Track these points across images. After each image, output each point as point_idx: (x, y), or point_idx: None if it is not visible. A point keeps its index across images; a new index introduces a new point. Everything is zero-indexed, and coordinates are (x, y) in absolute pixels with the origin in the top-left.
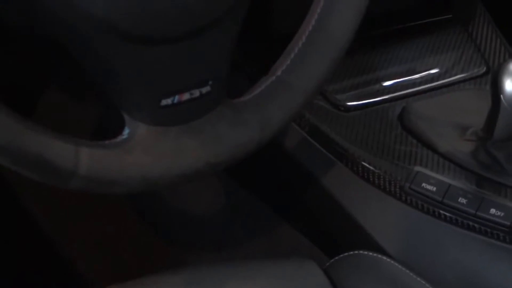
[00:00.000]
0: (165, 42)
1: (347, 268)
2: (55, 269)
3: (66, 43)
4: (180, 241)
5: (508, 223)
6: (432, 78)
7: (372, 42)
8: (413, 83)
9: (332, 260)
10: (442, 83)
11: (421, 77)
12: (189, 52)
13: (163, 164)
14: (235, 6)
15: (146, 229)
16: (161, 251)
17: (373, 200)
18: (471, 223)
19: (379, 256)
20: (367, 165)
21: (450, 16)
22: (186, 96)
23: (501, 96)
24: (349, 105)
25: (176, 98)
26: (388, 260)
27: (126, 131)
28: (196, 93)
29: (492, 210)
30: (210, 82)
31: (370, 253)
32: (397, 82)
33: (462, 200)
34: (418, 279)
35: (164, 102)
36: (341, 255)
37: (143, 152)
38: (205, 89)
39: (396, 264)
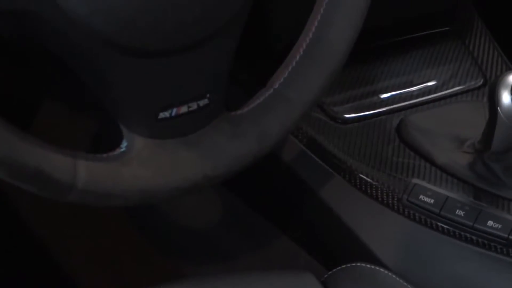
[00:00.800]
0: (162, 55)
1: (345, 280)
2: (53, 280)
3: (65, 57)
4: (178, 253)
5: (506, 235)
6: (430, 90)
7: (369, 54)
8: (411, 96)
9: (330, 272)
10: (440, 95)
11: (418, 90)
12: (186, 66)
13: (161, 177)
14: (232, 21)
15: (145, 240)
16: (159, 263)
17: (370, 212)
18: (468, 235)
19: (377, 268)
20: (365, 177)
21: (448, 28)
22: (183, 109)
23: (498, 108)
24: (346, 117)
25: (174, 111)
26: (386, 272)
27: (124, 144)
28: (194, 106)
29: (490, 222)
30: (208, 95)
31: (368, 265)
32: (395, 94)
33: (460, 212)
34: None
35: (162, 115)
36: (339, 267)
37: (140, 165)
38: (202, 102)
39: (394, 276)
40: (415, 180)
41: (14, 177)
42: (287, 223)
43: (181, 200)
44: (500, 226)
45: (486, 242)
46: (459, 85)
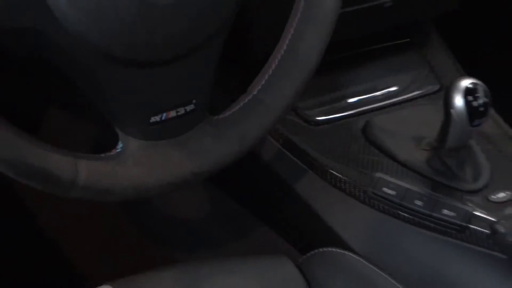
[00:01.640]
0: (153, 66)
1: (318, 263)
2: (54, 267)
3: (65, 68)
4: (171, 243)
5: (459, 222)
6: (392, 95)
7: (339, 64)
8: (375, 100)
9: (304, 256)
10: (401, 99)
11: (382, 94)
12: (175, 75)
13: (153, 174)
14: (214, 35)
15: (140, 231)
16: (152, 251)
17: (340, 203)
18: (426, 223)
19: (346, 252)
20: (335, 173)
21: (408, 40)
22: (172, 114)
23: (452, 110)
24: (318, 119)
25: (164, 115)
26: (354, 256)
27: (119, 145)
28: (182, 111)
29: (445, 211)
30: (194, 101)
31: (338, 250)
32: (361, 99)
33: (418, 202)
34: (381, 272)
35: (153, 119)
36: (312, 252)
37: (135, 164)
38: (189, 107)
39: (361, 260)
40: (379, 175)
41: (22, 177)
42: (268, 214)
43: (173, 195)
44: (454, 214)
45: (442, 228)
46: (418, 90)
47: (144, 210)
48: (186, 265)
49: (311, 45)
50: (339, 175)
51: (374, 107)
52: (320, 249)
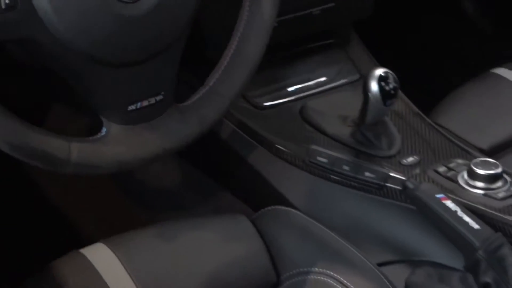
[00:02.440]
0: (128, 66)
1: (268, 219)
2: (54, 228)
3: (57, 69)
4: (150, 206)
5: (378, 182)
6: (322, 84)
7: (280, 61)
8: (309, 88)
9: (257, 214)
10: (329, 87)
11: (314, 84)
12: (146, 72)
13: (132, 151)
14: (176, 40)
15: (127, 199)
16: (137, 214)
17: (285, 171)
18: (352, 183)
19: (290, 209)
20: (279, 147)
21: (333, 40)
22: (145, 103)
23: (369, 94)
24: (265, 105)
25: (139, 104)
26: (297, 212)
27: (103, 130)
28: (153, 100)
29: (367, 173)
30: (162, 92)
31: (284, 208)
32: (298, 87)
33: (346, 167)
34: (318, 225)
35: (130, 108)
36: (263, 210)
37: (116, 144)
38: (159, 97)
39: (302, 215)
40: (313, 147)
41: (25, 157)
42: (227, 181)
43: (151, 168)
44: (374, 176)
45: (365, 187)
46: (342, 79)
47: (129, 181)
48: (163, 225)
49: (254, 46)
50: (283, 149)
51: (308, 94)
52: (270, 208)
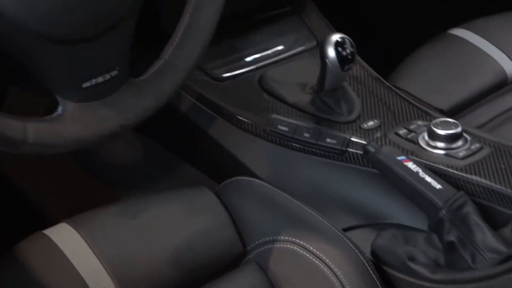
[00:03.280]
0: (79, 42)
1: (232, 190)
2: (19, 209)
3: (10, 51)
4: (113, 183)
5: (339, 147)
6: (280, 52)
7: (237, 31)
8: (267, 57)
9: (220, 185)
10: (287, 55)
11: (272, 53)
12: (98, 48)
13: (89, 129)
14: (126, 16)
15: (90, 176)
16: (100, 191)
17: (246, 141)
18: (314, 150)
19: (253, 179)
20: (240, 117)
21: (289, 8)
22: (100, 79)
23: (327, 60)
24: (223, 76)
25: (93, 81)
26: (260, 182)
27: (59, 108)
28: (107, 76)
29: (328, 139)
30: (116, 68)
31: (247, 178)
32: (256, 57)
33: (307, 134)
34: (282, 193)
35: (85, 85)
36: (226, 181)
37: (73, 122)
38: (114, 73)
39: (266, 184)
40: (274, 116)
41: None
42: (189, 154)
43: (112, 145)
44: (335, 142)
45: (326, 153)
46: (300, 47)
47: (90, 159)
48: (126, 201)
49: (207, 18)
50: (243, 119)
51: (267, 63)
52: (233, 179)
